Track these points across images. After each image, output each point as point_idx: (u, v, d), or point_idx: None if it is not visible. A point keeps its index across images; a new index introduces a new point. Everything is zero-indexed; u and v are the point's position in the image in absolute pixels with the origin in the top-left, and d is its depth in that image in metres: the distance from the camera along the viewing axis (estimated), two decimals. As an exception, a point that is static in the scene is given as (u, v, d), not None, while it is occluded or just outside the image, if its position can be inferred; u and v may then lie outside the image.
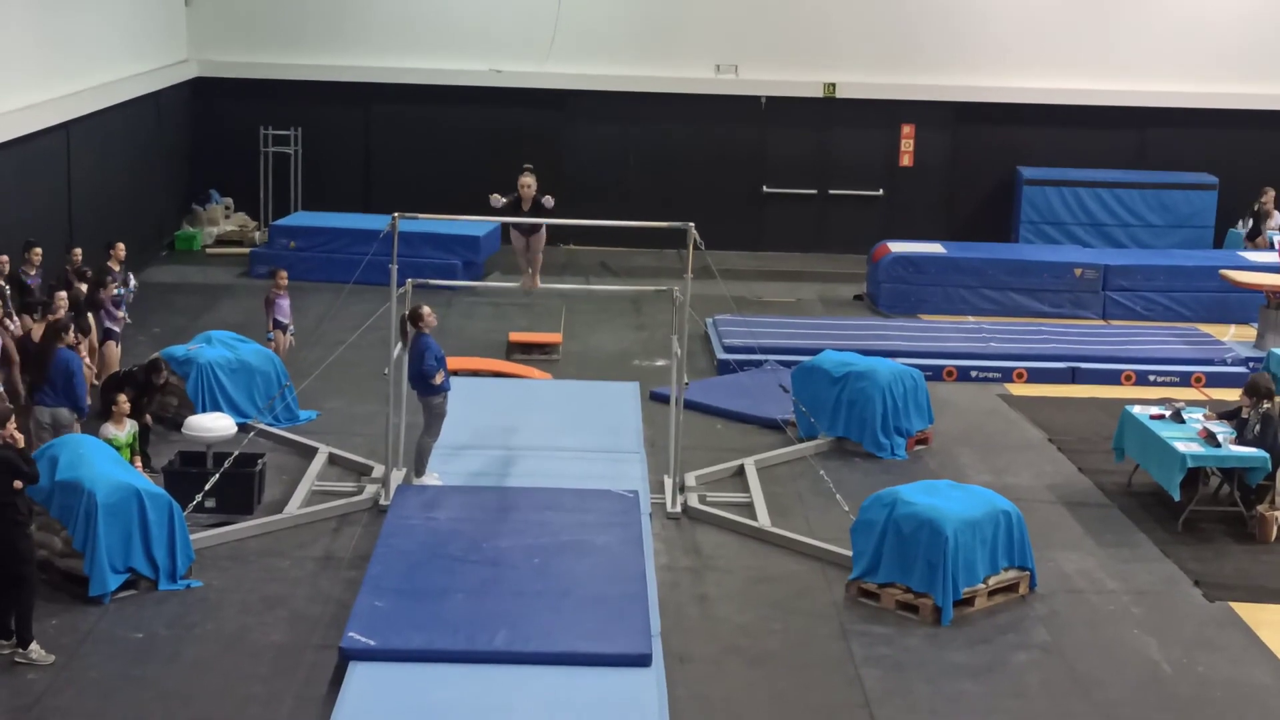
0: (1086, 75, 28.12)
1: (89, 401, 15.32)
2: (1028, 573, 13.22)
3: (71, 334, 15.42)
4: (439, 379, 14.62)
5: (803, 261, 27.94)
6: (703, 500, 15.16)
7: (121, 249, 18.93)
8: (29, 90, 20.13)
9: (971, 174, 28.52)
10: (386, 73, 27.81)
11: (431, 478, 14.95)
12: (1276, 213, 25.93)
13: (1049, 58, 28.06)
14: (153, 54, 25.75)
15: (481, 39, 27.88)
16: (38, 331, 15.75)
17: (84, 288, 17.80)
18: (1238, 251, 25.33)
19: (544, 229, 16.44)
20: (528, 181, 16.06)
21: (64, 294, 16.70)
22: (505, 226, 16.69)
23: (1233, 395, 17.66)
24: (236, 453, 14.53)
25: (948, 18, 28.04)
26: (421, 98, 27.93)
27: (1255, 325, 22.18)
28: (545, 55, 27.91)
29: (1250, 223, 26.11)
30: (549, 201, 16.00)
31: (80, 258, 18.48)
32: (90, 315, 17.64)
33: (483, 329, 21.84)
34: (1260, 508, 14.79)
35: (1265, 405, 14.98)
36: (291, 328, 19.07)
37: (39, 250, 17.75)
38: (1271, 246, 25.02)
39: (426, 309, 14.87)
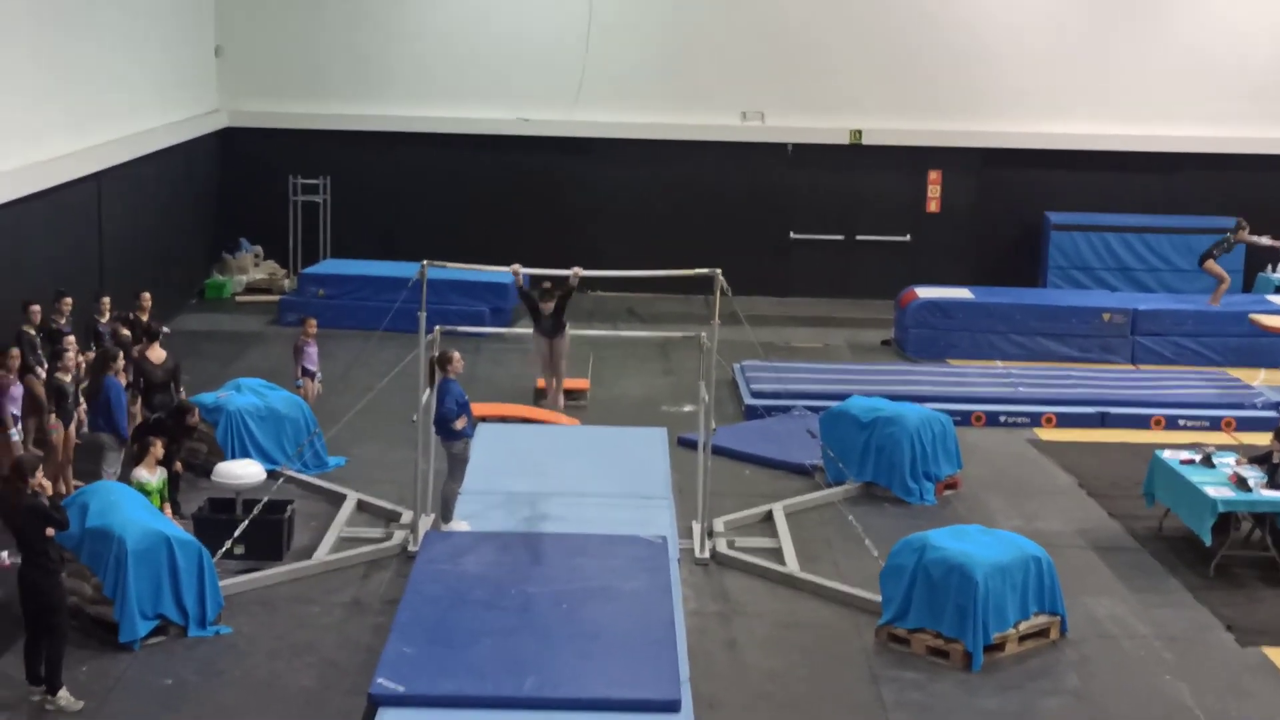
0: (1114, 119, 28.13)
1: (129, 431, 15.61)
2: (1059, 618, 13.16)
3: (120, 362, 15.69)
4: (460, 424, 14.67)
5: (830, 307, 27.95)
6: (731, 545, 15.14)
7: (147, 298, 18.96)
8: (60, 140, 20.32)
9: (999, 219, 28.52)
10: (413, 121, 27.99)
11: (460, 524, 14.96)
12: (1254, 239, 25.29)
13: (1076, 102, 28.09)
14: (183, 104, 25.98)
15: (507, 86, 28.03)
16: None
17: (127, 332, 17.90)
18: (1266, 296, 25.26)
19: (566, 338, 15.49)
20: (547, 307, 15.10)
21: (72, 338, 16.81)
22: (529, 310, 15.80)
23: (1263, 439, 17.57)
24: (265, 499, 14.57)
25: (973, 63, 28.11)
26: (448, 145, 28.08)
27: (1286, 369, 22.10)
28: (572, 102, 28.06)
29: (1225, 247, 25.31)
30: (576, 277, 14.89)
31: (109, 306, 18.56)
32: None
33: (511, 375, 21.88)
34: (1293, 552, 14.70)
35: (1296, 449, 14.90)
36: (320, 375, 19.12)
37: (69, 300, 17.84)
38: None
39: (455, 354, 14.92)
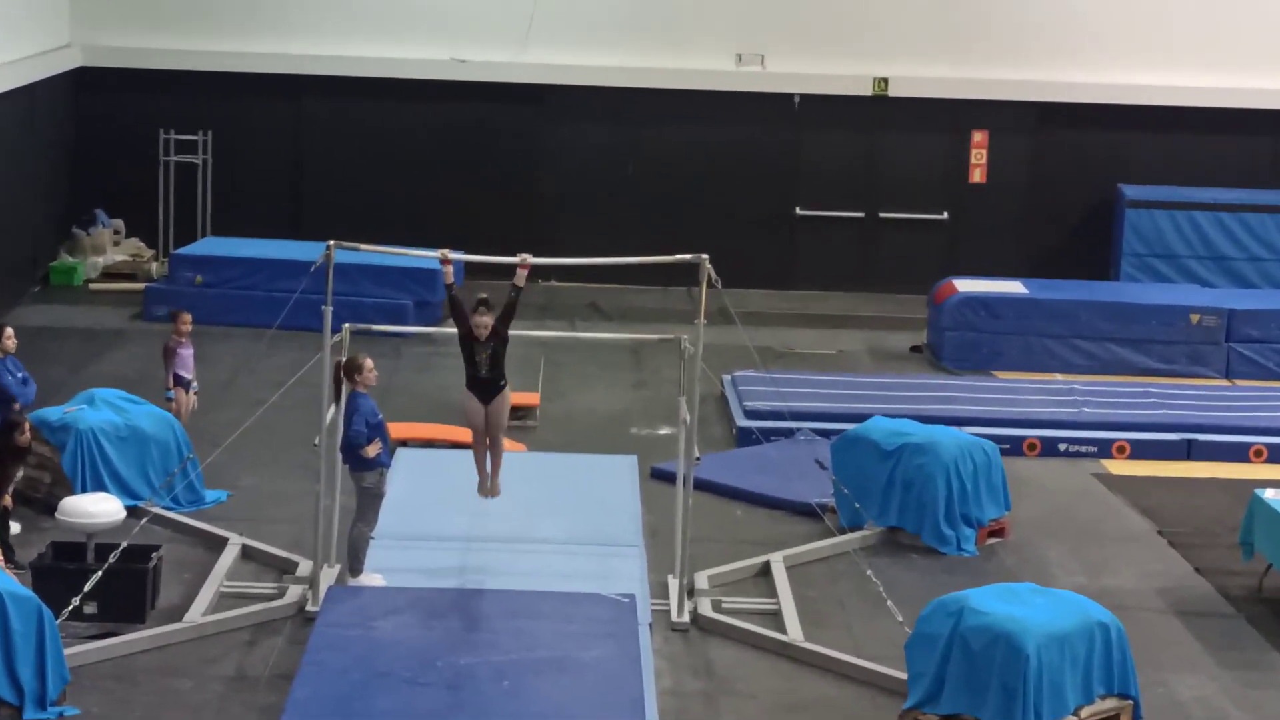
0: (1206, 69, 28.24)
1: None
2: (1130, 702, 13.18)
3: None
4: (373, 450, 14.62)
5: (846, 303, 27.99)
6: (717, 607, 15.11)
7: None
8: None
9: (1060, 193, 28.60)
10: (321, 62, 27.94)
11: (372, 578, 14.92)
12: None
13: (1159, 46, 28.19)
14: (24, 37, 25.86)
15: (441, 20, 28.05)
16: None
17: None
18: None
19: (507, 399, 15.03)
20: (484, 322, 14.55)
21: None
22: (454, 309, 15.05)
23: (1392, 476, 17.67)
24: (125, 544, 14.46)
25: (1030, -4, 28.27)
26: (365, 93, 28.05)
27: None
28: (523, 41, 28.06)
29: None
30: (525, 266, 14.65)
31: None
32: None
33: (439, 387, 21.83)
34: None
35: None
36: (196, 385, 19.06)
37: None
38: None
39: (367, 360, 14.87)
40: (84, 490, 16.37)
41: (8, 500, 15.61)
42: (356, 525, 14.91)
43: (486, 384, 14.79)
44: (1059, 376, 23.31)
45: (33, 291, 26.36)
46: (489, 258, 15.66)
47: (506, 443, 19.05)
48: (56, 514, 15.09)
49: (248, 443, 17.26)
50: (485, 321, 14.58)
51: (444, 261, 14.97)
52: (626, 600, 14.50)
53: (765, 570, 16.12)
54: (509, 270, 14.83)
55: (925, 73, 28.19)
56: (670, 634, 14.68)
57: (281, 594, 15.08)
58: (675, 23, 28.17)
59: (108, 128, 27.93)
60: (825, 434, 19.26)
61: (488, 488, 15.42)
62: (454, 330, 14.93)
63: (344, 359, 15.01)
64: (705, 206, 28.12)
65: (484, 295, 14.86)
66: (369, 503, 14.85)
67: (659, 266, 16.07)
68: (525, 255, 14.81)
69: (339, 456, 15.14)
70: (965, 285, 24.60)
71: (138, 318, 25.06)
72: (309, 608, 14.62)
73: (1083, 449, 20.36)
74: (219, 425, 18.31)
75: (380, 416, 14.89)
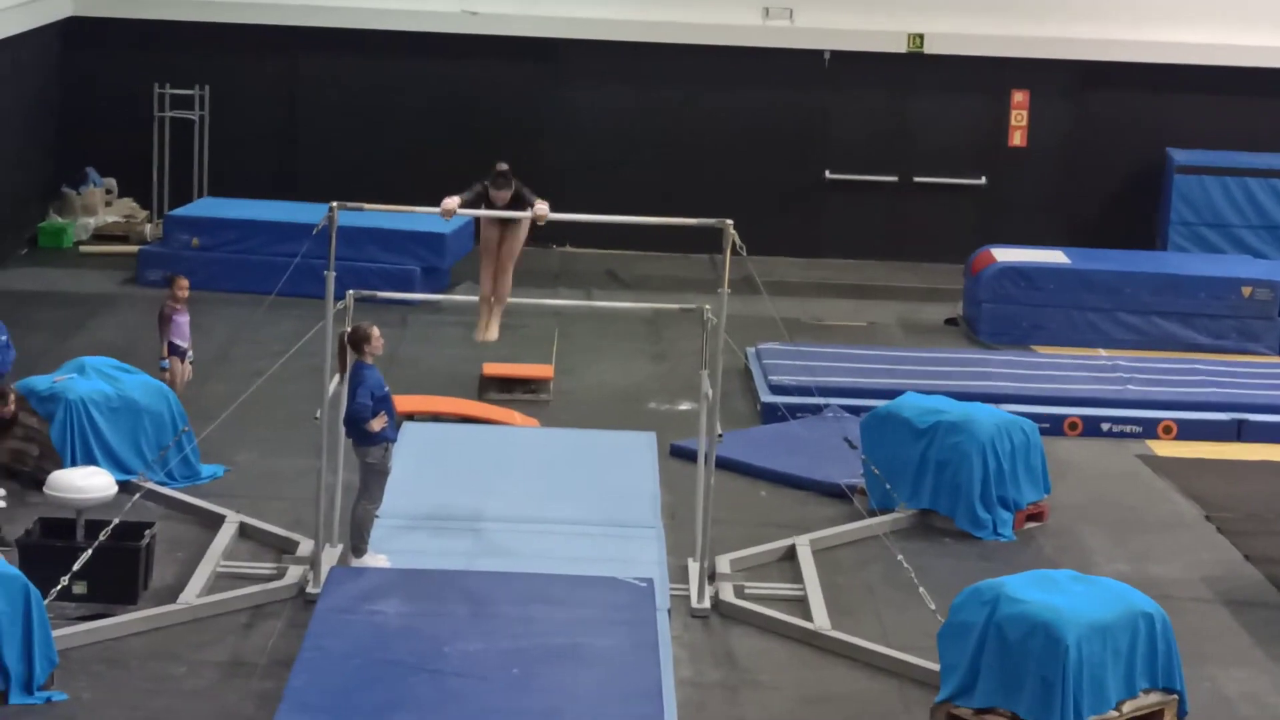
0: (1261, 26, 28.15)
1: None
2: (1175, 696, 13.18)
3: None
4: (378, 424, 14.65)
5: (877, 273, 27.99)
6: (740, 593, 15.14)
7: None
8: None
9: (1104, 158, 28.55)
10: (321, 13, 27.92)
11: (376, 558, 14.96)
12: None
13: (1211, 2, 28.09)
14: (12, -15, 25.89)
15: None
16: None
17: None
18: None
19: (525, 226, 15.79)
20: (501, 196, 15.43)
21: None
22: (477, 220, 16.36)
23: None
24: (117, 521, 14.51)
25: (1075, -52, 28.17)
26: (368, 46, 28.03)
27: None
28: (536, -8, 28.09)
29: None
30: (541, 219, 15.27)
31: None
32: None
33: (449, 358, 21.87)
34: None
35: None
36: (192, 354, 19.10)
37: None
38: None
39: (374, 329, 14.90)
40: (74, 463, 16.40)
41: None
42: (360, 503, 14.94)
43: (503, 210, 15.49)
44: (1102, 352, 23.29)
45: (19, 254, 26.41)
46: (499, 213, 15.62)
47: (518, 417, 19.26)
48: (45, 489, 15.10)
49: (246, 415, 17.30)
50: (503, 196, 15.27)
51: (446, 214, 15.30)
52: (644, 585, 14.52)
53: (790, 554, 16.12)
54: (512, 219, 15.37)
55: (963, 29, 28.13)
56: (690, 621, 14.70)
57: (281, 575, 15.09)
58: (699, -27, 28.16)
59: (99, 81, 27.93)
60: (854, 411, 19.28)
61: (484, 330, 15.98)
62: (466, 298, 15.07)
63: (349, 328, 15.03)
64: (729, 170, 28.09)
65: (504, 166, 15.41)
66: (373, 480, 14.87)
67: (680, 233, 16.16)
68: (541, 203, 15.07)
69: (342, 430, 15.17)
70: (1003, 254, 24.57)
71: (130, 282, 25.09)
72: (309, 590, 14.65)
73: (1127, 429, 20.35)
74: (216, 397, 18.36)
75: (387, 389, 14.91)
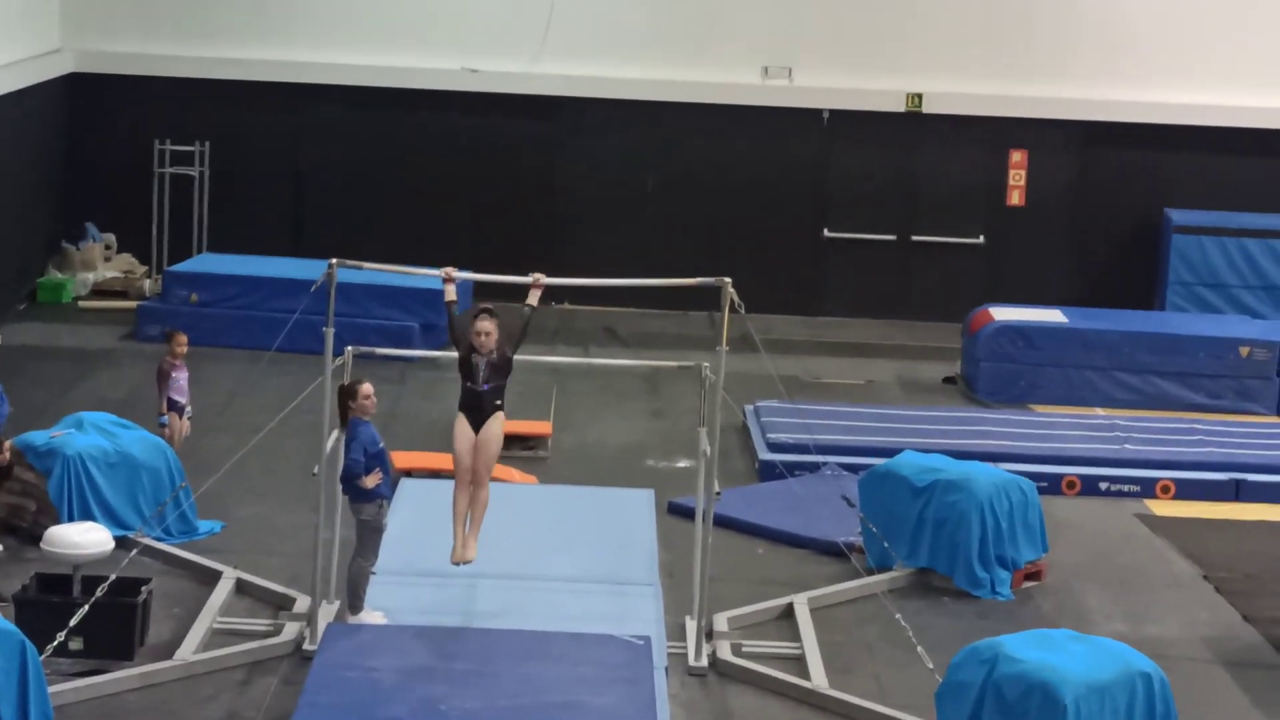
0: (1258, 88, 28.23)
1: None
2: (1174, 757, 13.15)
3: None
4: (372, 480, 14.65)
5: (876, 331, 28.00)
6: (738, 651, 15.11)
7: None
8: None
9: (1102, 217, 28.60)
10: (325, 70, 28.00)
11: (373, 615, 14.93)
12: None
13: (1209, 64, 28.18)
14: (13, 41, 25.94)
15: (453, 28, 28.09)
16: None
17: None
18: None
19: (500, 424, 14.55)
20: (485, 328, 14.27)
21: None
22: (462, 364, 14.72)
23: None
24: (113, 576, 14.47)
25: (1074, 6, 28.21)
26: (370, 103, 28.10)
27: None
28: (537, 51, 28.11)
29: None
30: (538, 285, 14.59)
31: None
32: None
33: (445, 414, 21.82)
34: None
35: None
36: (190, 410, 19.10)
37: None
38: None
39: (363, 385, 14.89)
40: (71, 519, 16.37)
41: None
42: (356, 560, 14.92)
43: (481, 401, 14.36)
44: (1100, 411, 23.30)
45: (18, 309, 26.42)
46: (499, 277, 15.64)
47: (516, 474, 19.23)
48: (42, 544, 15.07)
49: (244, 471, 17.29)
50: (487, 328, 14.27)
51: (447, 280, 14.82)
52: (641, 642, 14.47)
53: (788, 612, 16.11)
54: (520, 291, 14.82)
55: (962, 88, 28.20)
56: (687, 679, 14.67)
57: (277, 631, 15.07)
58: (698, 33, 28.19)
59: (100, 137, 28.00)
60: (853, 469, 19.26)
61: (461, 550, 14.62)
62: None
63: (345, 382, 15.04)
64: (728, 227, 28.13)
65: (487, 305, 14.55)
66: (369, 536, 14.85)
67: (679, 290, 16.09)
68: (538, 275, 14.82)
69: (339, 487, 15.16)
70: (1002, 313, 24.59)
71: (129, 337, 25.10)
72: (306, 646, 14.63)
73: (1125, 488, 20.34)
74: (214, 452, 18.35)
75: (381, 445, 14.89)
